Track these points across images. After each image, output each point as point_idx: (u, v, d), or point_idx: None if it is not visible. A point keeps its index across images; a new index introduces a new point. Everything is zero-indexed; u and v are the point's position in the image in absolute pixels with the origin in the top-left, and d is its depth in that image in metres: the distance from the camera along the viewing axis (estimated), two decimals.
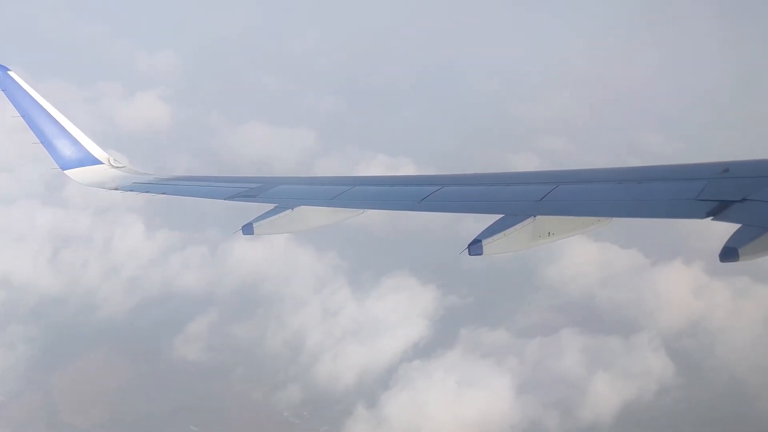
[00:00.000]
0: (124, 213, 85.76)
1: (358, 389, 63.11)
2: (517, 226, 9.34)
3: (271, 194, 12.66)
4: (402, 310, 73.35)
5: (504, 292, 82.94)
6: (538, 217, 9.43)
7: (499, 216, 9.63)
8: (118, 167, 16.27)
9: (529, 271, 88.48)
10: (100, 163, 16.25)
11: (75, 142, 16.05)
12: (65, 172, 15.96)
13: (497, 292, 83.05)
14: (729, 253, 7.53)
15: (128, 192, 15.11)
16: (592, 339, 72.37)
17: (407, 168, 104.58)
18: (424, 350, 68.05)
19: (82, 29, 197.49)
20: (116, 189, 15.42)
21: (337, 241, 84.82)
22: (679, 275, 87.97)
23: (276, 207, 11.86)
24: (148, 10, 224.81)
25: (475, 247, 9.23)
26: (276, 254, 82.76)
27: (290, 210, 11.72)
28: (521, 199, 10.15)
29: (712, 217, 8.08)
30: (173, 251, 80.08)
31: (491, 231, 9.38)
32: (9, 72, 15.73)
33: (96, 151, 16.36)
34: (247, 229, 11.64)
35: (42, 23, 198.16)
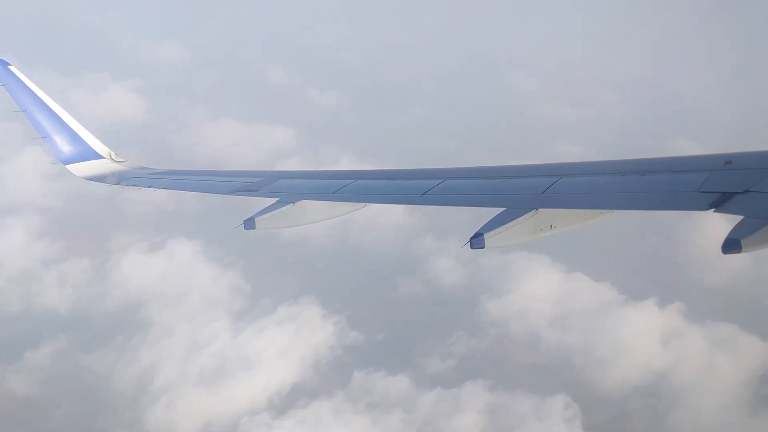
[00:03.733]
0: (22, 216, 79.10)
1: None
2: (519, 220, 9.29)
3: (272, 188, 12.81)
4: (284, 347, 63.07)
5: (427, 327, 71.06)
6: (540, 210, 9.43)
7: (500, 209, 9.54)
8: (119, 162, 16.17)
9: (472, 302, 76.21)
10: (101, 157, 16.19)
11: (76, 136, 16.00)
12: (66, 166, 15.84)
13: (419, 327, 71.21)
14: (731, 245, 7.42)
15: (129, 186, 15.02)
16: (501, 396, 59.97)
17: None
18: (288, 399, 57.61)
19: (91, 18, 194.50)
20: (117, 183, 15.42)
21: (255, 256, 75.45)
22: (651, 318, 74.03)
23: (278, 201, 11.96)
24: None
25: (476, 240, 9.08)
26: (173, 270, 74.04)
27: (292, 204, 11.82)
28: (523, 192, 10.05)
29: (714, 209, 8.04)
30: (53, 263, 72.40)
31: (493, 224, 9.28)
32: (9, 66, 15.67)
33: (97, 145, 16.30)
34: (249, 223, 11.76)
35: (48, 10, 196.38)
